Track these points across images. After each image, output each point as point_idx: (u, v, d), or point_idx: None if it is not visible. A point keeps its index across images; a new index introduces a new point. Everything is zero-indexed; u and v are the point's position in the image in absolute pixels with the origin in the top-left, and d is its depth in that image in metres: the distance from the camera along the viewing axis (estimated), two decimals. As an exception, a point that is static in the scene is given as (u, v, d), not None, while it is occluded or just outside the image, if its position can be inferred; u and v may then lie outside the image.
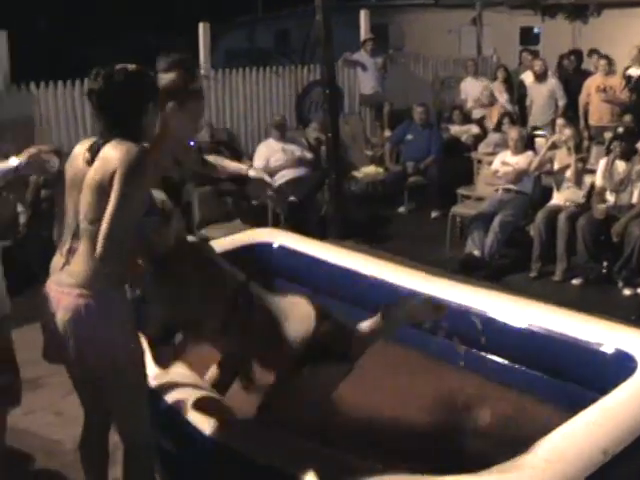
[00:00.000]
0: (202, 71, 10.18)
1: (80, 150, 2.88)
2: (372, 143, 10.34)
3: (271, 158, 8.07)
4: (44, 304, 2.91)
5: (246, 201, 7.99)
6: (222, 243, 5.56)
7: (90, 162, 2.80)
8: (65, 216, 2.94)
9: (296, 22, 16.37)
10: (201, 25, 10.00)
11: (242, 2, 19.01)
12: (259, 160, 8.11)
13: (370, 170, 9.40)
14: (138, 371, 2.96)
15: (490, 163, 7.89)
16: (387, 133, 10.29)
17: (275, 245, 5.35)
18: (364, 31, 11.48)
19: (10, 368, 3.36)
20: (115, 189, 2.70)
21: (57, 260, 2.92)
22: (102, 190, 2.74)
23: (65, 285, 2.83)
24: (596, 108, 9.52)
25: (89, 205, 2.80)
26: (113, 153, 2.75)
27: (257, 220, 7.23)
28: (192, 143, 3.81)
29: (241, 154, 8.69)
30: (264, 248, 5.37)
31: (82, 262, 2.81)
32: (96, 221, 2.75)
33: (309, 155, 8.36)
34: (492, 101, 10.13)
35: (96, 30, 18.68)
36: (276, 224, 7.52)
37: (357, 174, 9.26)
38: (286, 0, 17.42)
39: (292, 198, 7.85)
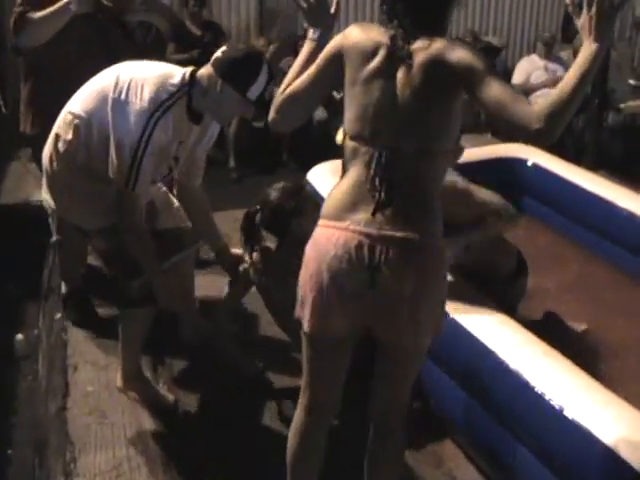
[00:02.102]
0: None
1: (370, 46, 2.22)
2: (639, 73, 9.72)
3: (532, 75, 7.87)
4: (337, 257, 2.20)
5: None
6: (473, 153, 5.56)
7: (399, 62, 2.19)
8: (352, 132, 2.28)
9: None
10: None
11: None
12: (519, 75, 7.93)
13: (633, 102, 8.88)
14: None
15: None
16: (657, 63, 9.65)
17: (529, 162, 5.26)
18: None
19: None
20: (493, 82, 2.11)
21: (353, 195, 2.25)
22: (434, 98, 2.19)
23: (392, 230, 2.19)
24: None
25: (414, 121, 2.19)
26: (447, 52, 2.16)
27: (508, 136, 7.09)
28: None
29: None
30: (517, 164, 5.30)
31: (409, 200, 2.21)
32: (427, 138, 2.21)
33: (571, 77, 8.03)
34: None
35: None
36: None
37: (618, 105, 8.79)
38: None
39: (548, 118, 7.62)
